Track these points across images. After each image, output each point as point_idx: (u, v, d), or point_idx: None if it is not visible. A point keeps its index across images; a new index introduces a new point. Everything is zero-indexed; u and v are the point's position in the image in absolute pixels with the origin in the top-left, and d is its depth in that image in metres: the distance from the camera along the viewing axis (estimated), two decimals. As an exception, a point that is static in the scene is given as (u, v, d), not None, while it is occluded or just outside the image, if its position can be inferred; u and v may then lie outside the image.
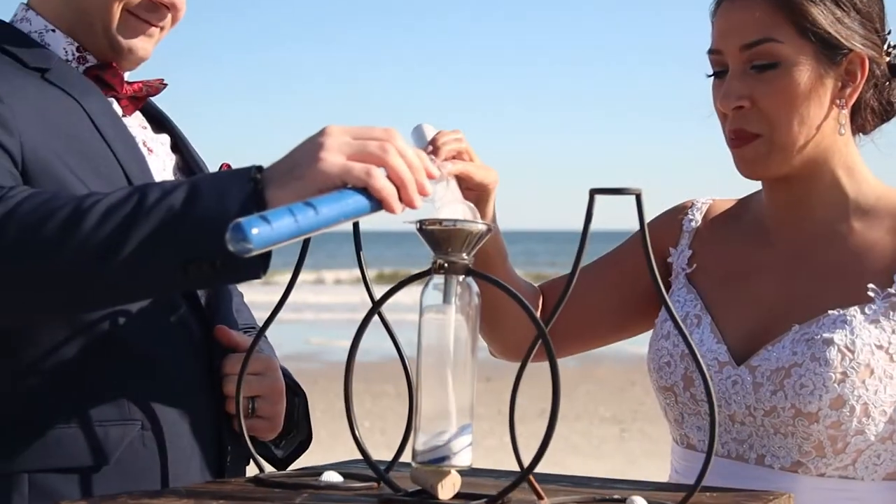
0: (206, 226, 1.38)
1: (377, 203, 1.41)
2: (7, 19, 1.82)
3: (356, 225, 1.55)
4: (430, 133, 1.74)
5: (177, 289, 1.57)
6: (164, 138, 1.88)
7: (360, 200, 1.40)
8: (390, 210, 1.42)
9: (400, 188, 1.42)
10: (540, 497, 1.51)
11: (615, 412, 10.72)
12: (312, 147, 1.42)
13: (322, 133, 1.43)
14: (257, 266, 1.40)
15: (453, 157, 1.70)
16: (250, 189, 1.40)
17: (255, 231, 1.27)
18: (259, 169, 1.43)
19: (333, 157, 1.41)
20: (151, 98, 1.87)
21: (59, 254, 1.39)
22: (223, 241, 1.28)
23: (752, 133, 1.78)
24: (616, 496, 1.52)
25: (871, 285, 1.77)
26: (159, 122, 1.90)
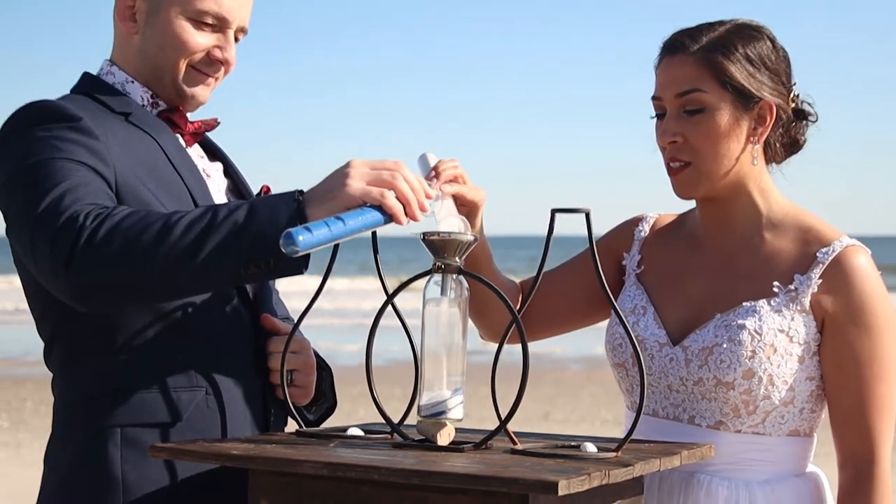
0: (262, 235, 1.86)
1: (389, 217, 1.89)
2: (94, 72, 2.29)
3: (374, 233, 2.02)
4: (432, 161, 2.20)
5: (239, 283, 2.02)
6: (218, 166, 2.34)
7: (376, 215, 1.88)
8: (398, 222, 1.91)
9: (405, 206, 1.91)
10: (514, 443, 1.98)
11: (617, 415, 11.02)
12: (341, 176, 1.90)
13: (348, 165, 1.92)
14: (300, 265, 1.87)
15: (451, 180, 2.17)
16: (294, 208, 1.88)
17: (301, 238, 1.76)
18: (301, 192, 1.90)
19: (356, 183, 1.89)
20: (207, 133, 2.34)
21: (153, 257, 1.86)
22: (276, 246, 1.78)
23: (684, 162, 2.25)
24: (573, 443, 1.98)
25: (776, 283, 2.23)
26: (213, 152, 2.36)
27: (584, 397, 12.05)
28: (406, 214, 1.92)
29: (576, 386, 12.85)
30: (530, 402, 11.59)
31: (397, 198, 1.91)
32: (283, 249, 1.78)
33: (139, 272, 1.87)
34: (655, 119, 2.30)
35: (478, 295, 2.28)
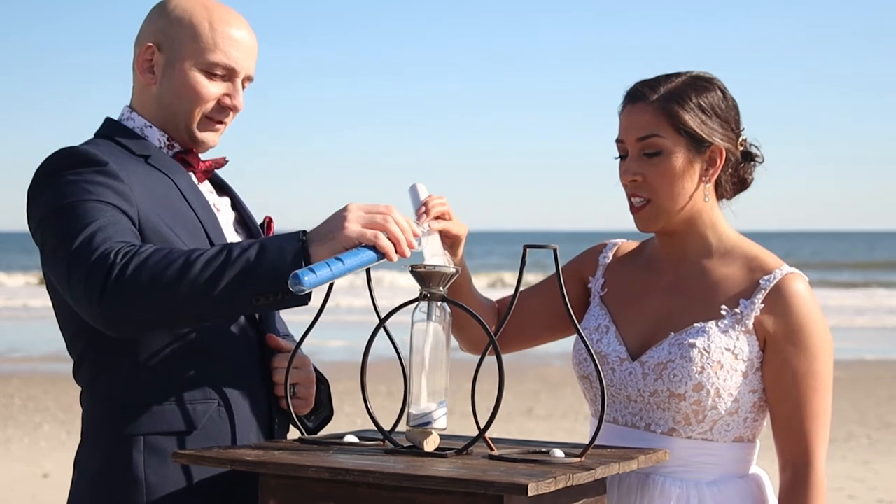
0: (272, 271, 2.13)
1: (381, 255, 2.17)
2: (115, 117, 2.55)
3: (368, 270, 2.30)
4: (423, 193, 2.48)
5: (251, 312, 2.28)
6: (226, 200, 2.61)
7: (370, 254, 2.17)
8: (390, 259, 2.19)
9: (396, 245, 2.18)
10: (491, 449, 2.26)
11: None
12: (339, 219, 2.18)
13: (345, 209, 2.20)
14: (305, 298, 2.15)
15: (438, 216, 2.44)
16: (299, 247, 2.16)
17: (306, 279, 2.04)
18: (304, 233, 2.17)
19: (353, 226, 2.17)
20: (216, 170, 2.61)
21: (176, 291, 2.13)
22: (284, 281, 2.07)
23: (645, 199, 2.53)
24: (543, 449, 2.26)
25: (723, 306, 2.51)
26: (221, 187, 2.63)
27: (567, 393, 12.27)
28: (396, 252, 2.20)
29: (559, 382, 13.11)
30: (514, 398, 11.84)
31: (388, 238, 2.19)
32: (291, 289, 2.06)
33: (164, 303, 2.14)
34: (619, 160, 2.57)
35: (459, 313, 2.57)
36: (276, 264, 2.14)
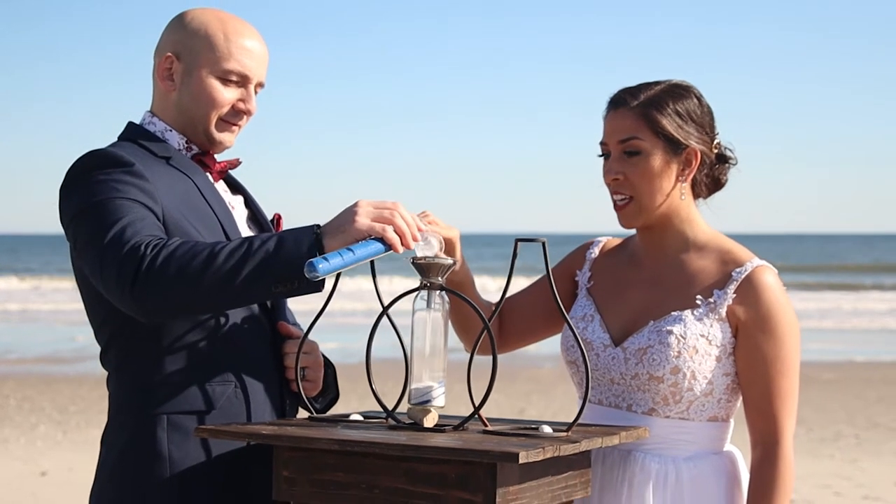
0: (289, 261, 2.34)
1: (388, 247, 2.38)
2: (136, 121, 2.75)
3: (372, 262, 2.50)
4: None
5: (269, 299, 2.49)
6: (239, 198, 2.82)
7: (378, 246, 2.37)
8: (396, 251, 2.39)
9: (402, 237, 2.39)
10: (485, 425, 2.47)
11: (587, 412, 11.47)
12: (350, 214, 2.39)
13: (356, 205, 2.41)
14: (319, 286, 2.35)
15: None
16: (313, 239, 2.36)
17: (320, 266, 2.25)
18: (318, 226, 2.38)
19: (363, 220, 2.38)
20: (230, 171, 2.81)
21: (201, 279, 2.34)
22: (300, 270, 2.27)
23: (627, 197, 2.74)
24: (533, 426, 2.47)
25: (699, 296, 2.73)
26: (234, 186, 2.84)
27: (558, 394, 12.46)
28: (402, 244, 2.40)
29: (549, 383, 13.32)
30: (506, 398, 12.00)
31: (395, 231, 2.40)
32: (306, 275, 2.27)
33: (191, 291, 2.35)
34: (603, 159, 2.79)
35: (463, 315, 2.80)
36: (292, 255, 2.34)
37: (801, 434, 10.18)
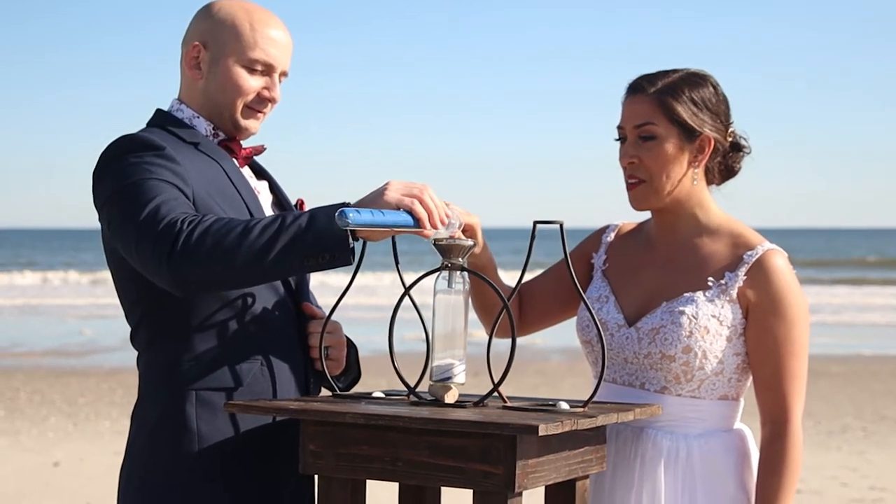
0: (321, 235, 2.42)
1: (416, 222, 2.45)
2: (164, 108, 2.83)
3: (394, 243, 2.58)
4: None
5: (301, 273, 2.55)
6: (264, 184, 2.90)
7: (407, 217, 2.47)
8: (423, 226, 2.47)
9: (429, 214, 2.46)
10: (505, 401, 2.55)
11: (596, 403, 11.50)
12: (380, 190, 2.49)
13: (386, 183, 2.50)
14: (348, 259, 2.43)
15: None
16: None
17: (351, 215, 2.35)
18: (347, 203, 2.46)
19: (393, 194, 2.47)
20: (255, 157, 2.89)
21: (237, 253, 2.41)
22: (331, 244, 2.38)
23: (639, 179, 2.82)
24: (550, 402, 2.55)
25: (710, 278, 2.80)
26: (259, 172, 2.92)
27: (566, 387, 12.49)
28: (430, 222, 2.48)
29: (558, 376, 13.27)
30: (515, 391, 11.95)
31: (423, 207, 2.48)
32: (337, 222, 2.36)
33: (226, 264, 2.42)
34: (619, 143, 2.87)
35: (485, 299, 2.90)
36: (324, 230, 2.42)
37: (809, 426, 10.27)
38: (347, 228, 2.37)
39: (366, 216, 2.38)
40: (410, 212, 2.46)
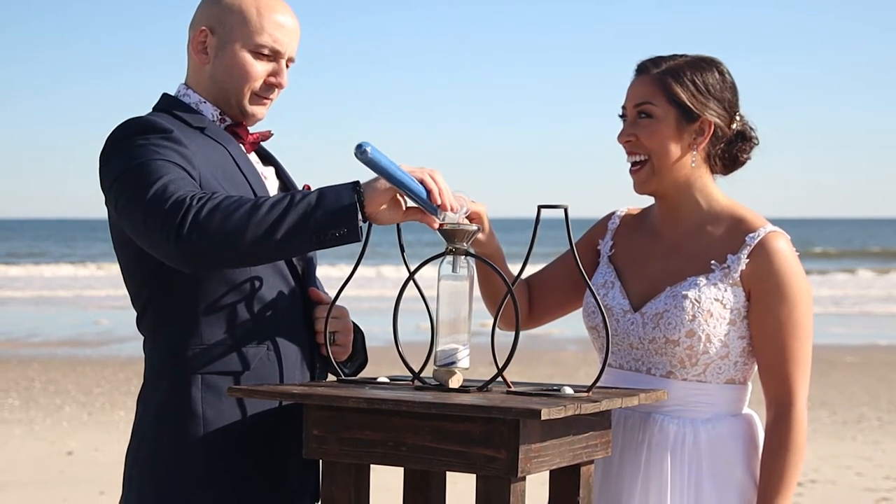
0: (330, 212, 2.43)
1: (427, 194, 2.47)
2: (171, 93, 2.83)
3: (399, 228, 2.58)
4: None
5: (310, 250, 2.53)
6: (271, 169, 2.90)
7: (419, 187, 2.48)
8: (433, 199, 2.49)
9: (440, 193, 2.48)
10: (508, 386, 2.55)
11: (609, 390, 11.53)
12: None
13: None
14: (357, 236, 2.44)
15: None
16: (353, 191, 2.46)
17: (368, 148, 2.37)
18: (358, 182, 2.47)
19: (406, 167, 2.47)
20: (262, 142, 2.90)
21: (246, 229, 2.42)
22: (340, 221, 2.40)
23: (640, 161, 2.82)
24: (555, 387, 2.55)
25: (713, 262, 2.80)
26: (266, 157, 2.92)
27: (580, 377, 12.43)
28: (440, 198, 2.50)
29: (572, 367, 13.24)
30: (529, 381, 12.03)
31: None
32: (356, 157, 2.38)
33: (235, 241, 2.43)
34: (622, 120, 2.88)
35: (493, 287, 2.90)
36: (334, 206, 2.44)
37: (824, 416, 10.28)
38: (365, 156, 2.39)
39: (383, 158, 2.39)
40: (422, 183, 2.48)
